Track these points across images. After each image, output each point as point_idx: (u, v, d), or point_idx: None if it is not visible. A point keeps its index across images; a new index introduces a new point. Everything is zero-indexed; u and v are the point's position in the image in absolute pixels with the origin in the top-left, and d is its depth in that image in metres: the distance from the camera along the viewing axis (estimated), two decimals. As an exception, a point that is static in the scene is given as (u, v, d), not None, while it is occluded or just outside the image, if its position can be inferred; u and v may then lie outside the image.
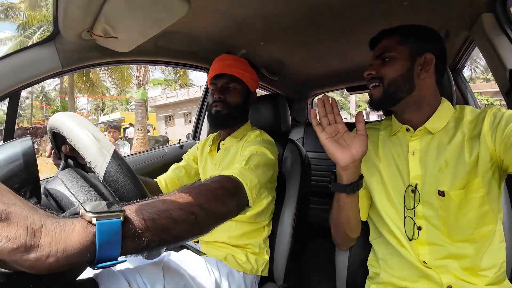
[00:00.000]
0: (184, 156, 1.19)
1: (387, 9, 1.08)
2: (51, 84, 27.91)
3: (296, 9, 1.07)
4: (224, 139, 1.05)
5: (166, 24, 0.84)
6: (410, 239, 0.72)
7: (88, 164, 0.50)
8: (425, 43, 0.74)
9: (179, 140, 1.53)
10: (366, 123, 0.78)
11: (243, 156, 0.80)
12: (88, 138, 0.49)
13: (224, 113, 0.98)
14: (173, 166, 1.14)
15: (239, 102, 1.00)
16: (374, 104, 0.77)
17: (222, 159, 1.01)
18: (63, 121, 0.53)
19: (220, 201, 0.54)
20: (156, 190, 1.04)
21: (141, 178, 1.00)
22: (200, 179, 1.16)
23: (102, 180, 0.49)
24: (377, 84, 0.75)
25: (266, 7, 1.04)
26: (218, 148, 1.08)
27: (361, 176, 0.72)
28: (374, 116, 15.64)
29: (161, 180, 1.08)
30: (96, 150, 0.49)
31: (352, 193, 0.72)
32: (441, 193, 0.68)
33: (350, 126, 0.69)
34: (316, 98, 0.69)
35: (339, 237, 0.86)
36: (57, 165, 0.69)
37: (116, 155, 0.50)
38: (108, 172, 0.48)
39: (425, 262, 0.70)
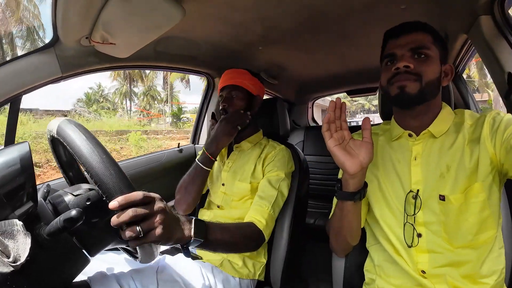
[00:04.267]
0: None
1: (385, 13, 1.07)
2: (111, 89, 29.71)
3: (294, 13, 1.07)
4: (237, 143, 1.14)
5: (163, 30, 0.85)
6: (410, 246, 0.70)
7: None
8: (447, 53, 0.75)
9: (178, 144, 1.54)
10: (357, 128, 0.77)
11: (270, 187, 0.97)
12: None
13: None
14: None
15: (243, 106, 1.09)
16: (407, 99, 0.70)
17: (237, 159, 1.11)
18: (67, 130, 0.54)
19: (245, 245, 0.82)
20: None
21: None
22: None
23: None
24: (414, 79, 0.69)
25: (264, 11, 1.04)
26: (229, 150, 1.17)
27: (366, 184, 0.71)
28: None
29: None
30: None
31: (359, 200, 0.71)
32: (442, 198, 0.67)
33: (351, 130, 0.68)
34: (329, 100, 0.67)
35: (338, 245, 0.85)
36: None
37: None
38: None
39: (423, 272, 0.69)
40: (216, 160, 1.05)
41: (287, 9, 1.03)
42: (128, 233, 0.47)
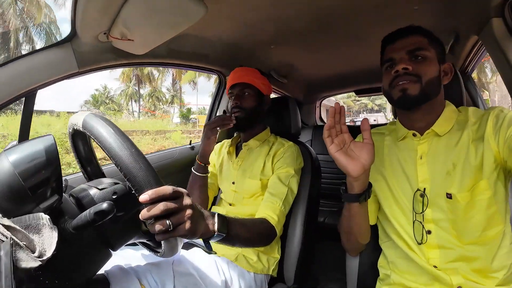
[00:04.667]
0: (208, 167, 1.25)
1: (396, 13, 1.08)
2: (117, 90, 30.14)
3: (306, 14, 1.08)
4: (246, 141, 1.16)
5: (183, 27, 0.86)
6: (420, 243, 0.72)
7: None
8: (444, 53, 0.77)
9: (190, 141, 1.55)
10: (372, 126, 0.78)
11: (280, 184, 0.98)
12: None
13: (242, 117, 1.09)
14: None
15: (253, 105, 1.11)
16: (409, 101, 0.72)
17: (245, 157, 1.13)
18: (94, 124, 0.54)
19: (259, 240, 0.86)
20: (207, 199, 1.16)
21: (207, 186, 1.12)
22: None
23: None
24: (414, 80, 0.71)
25: (277, 12, 1.05)
26: (237, 148, 1.20)
27: (370, 184, 0.72)
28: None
29: None
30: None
31: (364, 201, 0.73)
32: (449, 196, 0.69)
33: (352, 130, 0.69)
34: (329, 107, 0.67)
35: (350, 245, 0.86)
36: None
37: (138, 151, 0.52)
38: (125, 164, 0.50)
39: (435, 266, 0.70)
40: (207, 164, 1.09)
41: (299, 9, 1.04)
42: (158, 227, 0.48)
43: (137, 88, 29.18)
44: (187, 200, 0.52)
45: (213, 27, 1.13)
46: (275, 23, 1.14)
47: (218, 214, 0.63)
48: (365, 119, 0.68)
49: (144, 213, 0.48)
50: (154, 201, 0.48)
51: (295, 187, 1.00)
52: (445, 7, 1.06)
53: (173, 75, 28.74)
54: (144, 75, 27.22)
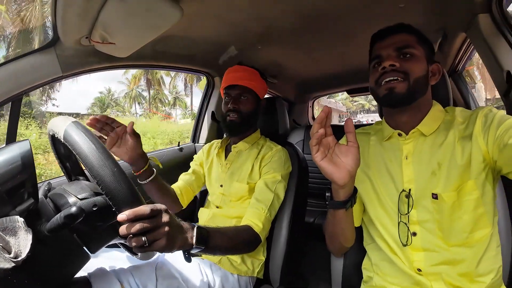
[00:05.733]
0: (192, 163, 1.24)
1: (384, 11, 1.08)
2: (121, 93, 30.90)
3: (293, 13, 1.08)
4: (235, 143, 1.13)
5: (162, 30, 0.86)
6: (404, 245, 0.71)
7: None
8: (433, 53, 0.76)
9: (179, 142, 1.55)
10: (357, 126, 0.76)
11: (266, 190, 0.97)
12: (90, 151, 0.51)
13: (238, 122, 1.05)
14: (182, 175, 1.20)
15: (251, 110, 1.07)
16: (396, 99, 0.71)
17: (234, 160, 1.11)
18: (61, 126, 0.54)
19: (242, 248, 0.86)
20: (175, 198, 1.11)
21: (168, 186, 1.05)
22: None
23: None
24: (401, 78, 0.70)
25: (263, 11, 1.05)
26: (226, 150, 1.16)
27: (356, 190, 0.71)
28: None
29: (176, 188, 1.15)
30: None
31: (350, 207, 0.71)
32: (435, 196, 0.68)
33: (338, 129, 0.67)
34: (317, 114, 0.64)
35: (334, 247, 0.86)
36: None
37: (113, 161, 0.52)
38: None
39: (419, 270, 0.69)
40: (143, 168, 0.92)
41: (285, 8, 1.03)
42: (134, 243, 0.51)
43: (140, 91, 29.62)
44: (165, 218, 0.54)
45: (198, 28, 1.13)
46: (261, 23, 1.14)
47: (198, 227, 0.64)
48: (349, 120, 0.64)
49: (122, 231, 0.50)
50: (132, 221, 0.50)
51: (282, 193, 0.98)
52: (432, 4, 1.05)
53: (185, 80, 29.31)
54: (155, 79, 27.59)
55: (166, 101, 30.84)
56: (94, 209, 0.58)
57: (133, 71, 27.13)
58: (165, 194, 1.02)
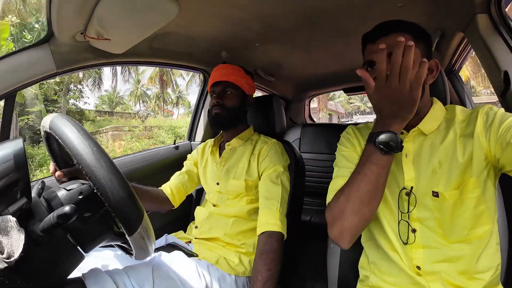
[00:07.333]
0: (185, 163, 1.24)
1: (382, 11, 1.07)
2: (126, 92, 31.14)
3: (292, 11, 1.07)
4: (228, 141, 1.14)
5: (158, 26, 0.85)
6: (405, 243, 0.71)
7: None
8: (430, 48, 0.73)
9: (174, 141, 1.54)
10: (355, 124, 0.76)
11: (273, 185, 0.98)
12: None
13: (223, 115, 1.06)
14: (176, 174, 1.20)
15: (236, 104, 1.09)
16: None
17: (229, 157, 1.11)
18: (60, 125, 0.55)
19: (278, 256, 0.90)
20: (161, 198, 1.11)
21: (145, 188, 1.03)
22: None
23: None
24: None
25: (262, 9, 1.04)
26: (220, 148, 1.17)
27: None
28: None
29: (167, 187, 1.15)
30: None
31: (400, 151, 0.62)
32: (435, 194, 0.67)
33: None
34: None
35: (359, 223, 0.66)
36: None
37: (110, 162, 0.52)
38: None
39: (418, 267, 0.69)
40: None
41: (284, 6, 1.03)
42: None
43: (144, 90, 29.82)
44: None
45: (195, 25, 1.12)
46: (260, 21, 1.13)
47: None
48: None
49: None
50: None
51: (287, 183, 1.00)
52: (431, 4, 1.05)
53: (198, 79, 29.46)
54: (169, 80, 27.90)
55: (169, 99, 31.12)
56: (80, 197, 0.58)
57: (149, 72, 27.49)
58: (147, 201, 1.04)
